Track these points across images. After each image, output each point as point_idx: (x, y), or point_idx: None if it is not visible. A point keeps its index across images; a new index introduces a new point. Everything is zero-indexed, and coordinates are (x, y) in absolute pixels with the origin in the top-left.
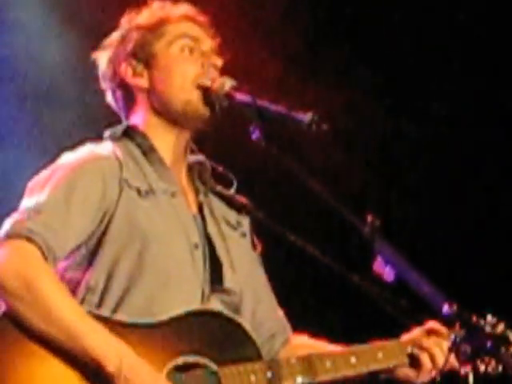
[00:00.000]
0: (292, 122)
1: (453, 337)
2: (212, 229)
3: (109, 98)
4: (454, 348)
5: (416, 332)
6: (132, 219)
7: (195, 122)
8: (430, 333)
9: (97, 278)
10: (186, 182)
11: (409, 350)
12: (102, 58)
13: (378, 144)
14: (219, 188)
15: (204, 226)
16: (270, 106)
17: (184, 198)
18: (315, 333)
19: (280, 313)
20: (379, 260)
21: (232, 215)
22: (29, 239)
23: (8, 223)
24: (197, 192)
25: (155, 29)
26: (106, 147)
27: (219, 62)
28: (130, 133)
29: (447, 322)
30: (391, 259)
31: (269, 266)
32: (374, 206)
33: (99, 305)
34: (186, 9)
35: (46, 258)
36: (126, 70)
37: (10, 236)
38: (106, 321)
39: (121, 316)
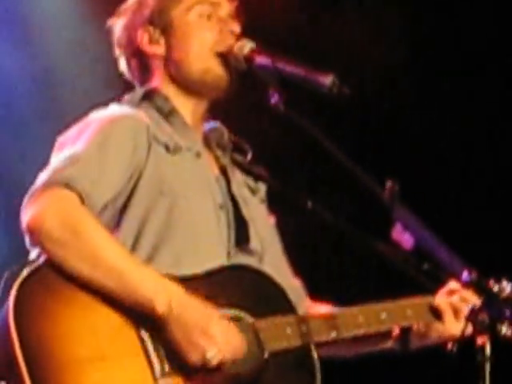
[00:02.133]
0: (312, 85)
1: (470, 305)
2: (236, 191)
3: (122, 66)
4: (472, 317)
5: (438, 294)
6: (161, 175)
7: (214, 91)
8: (451, 293)
9: (125, 237)
10: (205, 146)
11: (434, 303)
12: (118, 25)
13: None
14: (236, 155)
15: (228, 187)
16: (290, 68)
17: (207, 160)
18: (337, 301)
19: (297, 281)
20: (398, 227)
21: (250, 181)
22: (68, 186)
23: (44, 173)
24: (216, 158)
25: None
26: (128, 108)
27: (237, 27)
28: (150, 95)
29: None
30: (410, 226)
31: (287, 235)
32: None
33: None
34: None
35: (85, 205)
36: (142, 37)
37: (48, 184)
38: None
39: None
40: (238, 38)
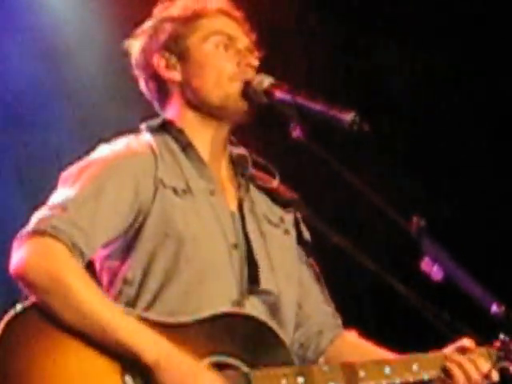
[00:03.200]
0: (333, 121)
1: (501, 337)
2: (251, 227)
3: (142, 86)
4: (505, 354)
5: (449, 348)
6: (167, 219)
7: (234, 115)
8: (463, 350)
9: (134, 272)
10: (226, 177)
11: (443, 363)
12: (135, 47)
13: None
14: (261, 182)
15: (243, 224)
16: (310, 103)
17: (223, 196)
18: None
19: (330, 308)
20: (427, 260)
21: (274, 211)
22: (53, 237)
23: (34, 218)
24: (238, 187)
25: (189, 22)
26: (142, 140)
27: (255, 61)
28: (167, 127)
29: (495, 322)
30: (439, 258)
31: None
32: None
33: (136, 298)
34: (221, 2)
35: (72, 255)
36: (158, 62)
37: (35, 232)
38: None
39: (152, 314)
40: (257, 71)
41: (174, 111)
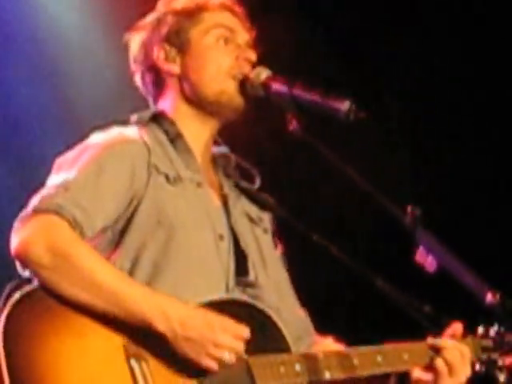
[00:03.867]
0: (329, 111)
1: (496, 327)
2: (236, 221)
3: (137, 80)
4: (499, 339)
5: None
6: (159, 205)
7: (227, 112)
8: (453, 337)
9: (121, 263)
10: (210, 174)
11: (431, 353)
12: (135, 40)
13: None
14: (242, 182)
15: (228, 218)
16: (307, 94)
17: (209, 189)
18: (337, 336)
19: (303, 313)
20: (421, 250)
21: (254, 210)
22: (57, 213)
23: (36, 199)
24: (220, 185)
25: (192, 15)
26: (133, 131)
27: (253, 56)
28: (157, 118)
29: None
30: (433, 249)
31: (290, 266)
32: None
33: None
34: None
35: (74, 232)
36: (158, 54)
37: (37, 211)
38: None
39: None
40: (254, 66)
41: (167, 103)
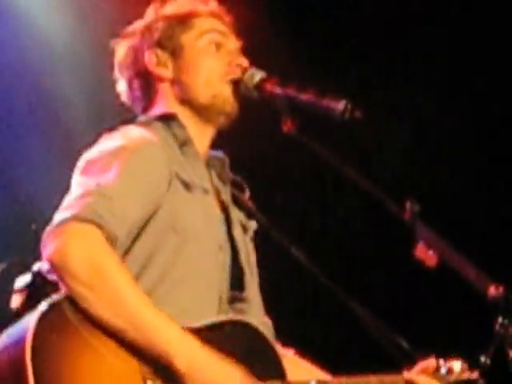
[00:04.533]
0: (324, 110)
1: (500, 320)
2: (236, 231)
3: (122, 87)
4: (502, 332)
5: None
6: (176, 211)
7: (222, 116)
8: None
9: (131, 265)
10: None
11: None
12: (122, 46)
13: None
14: (234, 189)
15: (228, 227)
16: (301, 95)
17: (213, 197)
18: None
19: (269, 320)
20: (421, 245)
21: (243, 218)
22: (97, 224)
23: (72, 203)
24: (217, 190)
25: (184, 21)
26: (149, 133)
27: (245, 62)
28: (166, 120)
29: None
30: (433, 243)
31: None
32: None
33: None
34: (214, 6)
35: (112, 245)
36: (150, 59)
37: (77, 218)
38: None
39: None
40: (246, 71)
41: (161, 109)
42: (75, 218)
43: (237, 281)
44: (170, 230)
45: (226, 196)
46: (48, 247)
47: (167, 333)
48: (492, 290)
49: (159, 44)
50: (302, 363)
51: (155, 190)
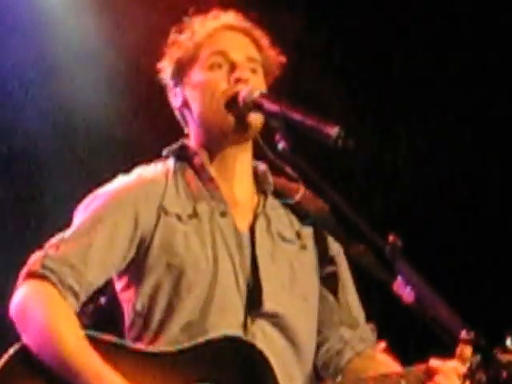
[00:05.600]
0: (318, 135)
1: (469, 364)
2: (261, 248)
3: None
4: (470, 375)
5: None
6: (169, 247)
7: (235, 137)
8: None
9: (142, 302)
10: (245, 196)
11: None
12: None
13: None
14: (283, 196)
15: (252, 245)
16: (298, 116)
17: (234, 217)
18: None
19: (358, 323)
20: (399, 281)
21: (292, 226)
22: (44, 277)
23: (31, 258)
24: (257, 204)
25: (189, 58)
26: (157, 168)
27: (245, 73)
28: (183, 151)
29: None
30: (411, 281)
31: None
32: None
33: (144, 329)
34: (223, 19)
35: (62, 294)
36: (172, 97)
37: (27, 274)
38: (125, 349)
39: (158, 342)
40: (247, 83)
41: (191, 134)
42: (26, 274)
43: (255, 298)
44: (165, 266)
45: (263, 208)
46: (13, 297)
47: (92, 376)
48: (464, 334)
49: (176, 82)
50: (376, 361)
51: (129, 231)
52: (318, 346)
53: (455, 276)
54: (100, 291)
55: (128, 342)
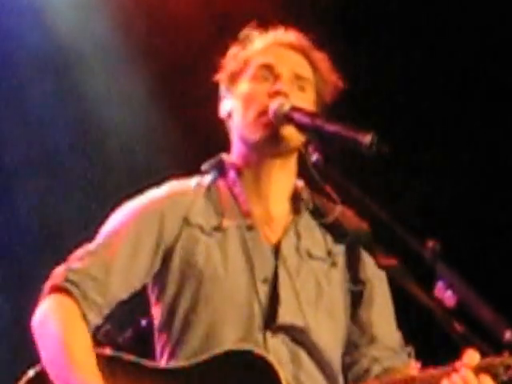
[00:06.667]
0: (351, 143)
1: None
2: (285, 262)
3: None
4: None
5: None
6: (189, 258)
7: (268, 153)
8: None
9: (163, 317)
10: (280, 212)
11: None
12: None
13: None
14: (319, 215)
15: (276, 260)
16: (330, 125)
17: (261, 232)
18: None
19: (391, 342)
20: (440, 285)
21: (324, 245)
22: (66, 291)
23: (55, 270)
24: (291, 221)
25: (239, 70)
26: (190, 182)
27: (286, 87)
28: (219, 165)
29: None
30: (453, 284)
31: None
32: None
33: (164, 344)
34: (279, 35)
35: (83, 309)
36: (221, 109)
37: (51, 288)
38: (142, 368)
39: (175, 358)
40: (286, 96)
41: (233, 146)
42: (49, 288)
43: (272, 311)
44: (184, 278)
45: (295, 226)
46: (36, 311)
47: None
48: (508, 335)
49: (226, 93)
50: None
51: (154, 242)
52: (350, 367)
53: (495, 278)
54: (141, 313)
55: (145, 361)
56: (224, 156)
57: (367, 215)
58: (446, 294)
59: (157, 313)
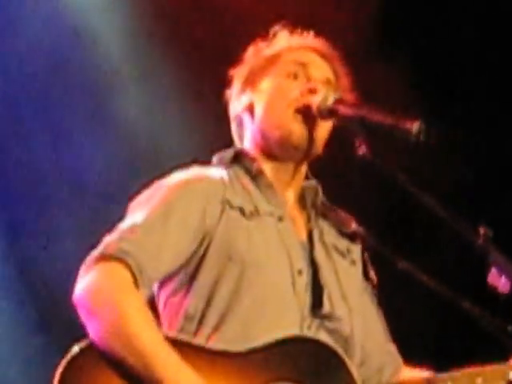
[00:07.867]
0: (398, 132)
1: None
2: (319, 255)
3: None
4: None
5: None
6: (231, 240)
7: (295, 154)
8: None
9: (195, 305)
10: (295, 208)
11: (510, 375)
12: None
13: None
14: (331, 214)
15: (311, 251)
16: (376, 116)
17: (291, 223)
18: (423, 361)
19: (392, 347)
20: (494, 272)
21: (342, 242)
22: (121, 260)
23: (103, 242)
24: (308, 218)
25: (266, 65)
26: (212, 171)
27: (318, 86)
28: (239, 157)
29: None
30: (507, 270)
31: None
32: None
33: (196, 333)
34: (308, 40)
35: (137, 280)
36: (238, 103)
37: (103, 257)
38: (195, 348)
39: (213, 343)
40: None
41: (247, 142)
42: (100, 256)
43: (316, 300)
44: (226, 260)
45: (316, 222)
46: (77, 287)
47: (173, 372)
48: None
49: (245, 87)
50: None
51: (199, 219)
52: (360, 364)
53: None
54: None
55: (196, 340)
56: (242, 148)
57: (416, 206)
58: (500, 281)
59: (178, 301)
